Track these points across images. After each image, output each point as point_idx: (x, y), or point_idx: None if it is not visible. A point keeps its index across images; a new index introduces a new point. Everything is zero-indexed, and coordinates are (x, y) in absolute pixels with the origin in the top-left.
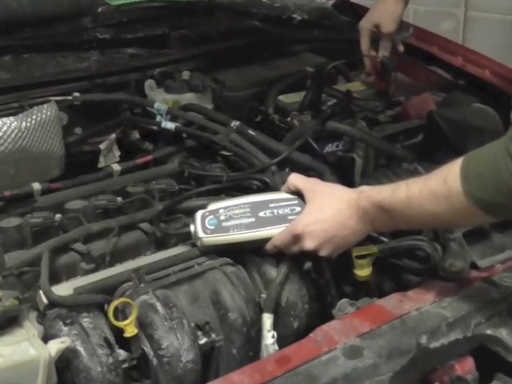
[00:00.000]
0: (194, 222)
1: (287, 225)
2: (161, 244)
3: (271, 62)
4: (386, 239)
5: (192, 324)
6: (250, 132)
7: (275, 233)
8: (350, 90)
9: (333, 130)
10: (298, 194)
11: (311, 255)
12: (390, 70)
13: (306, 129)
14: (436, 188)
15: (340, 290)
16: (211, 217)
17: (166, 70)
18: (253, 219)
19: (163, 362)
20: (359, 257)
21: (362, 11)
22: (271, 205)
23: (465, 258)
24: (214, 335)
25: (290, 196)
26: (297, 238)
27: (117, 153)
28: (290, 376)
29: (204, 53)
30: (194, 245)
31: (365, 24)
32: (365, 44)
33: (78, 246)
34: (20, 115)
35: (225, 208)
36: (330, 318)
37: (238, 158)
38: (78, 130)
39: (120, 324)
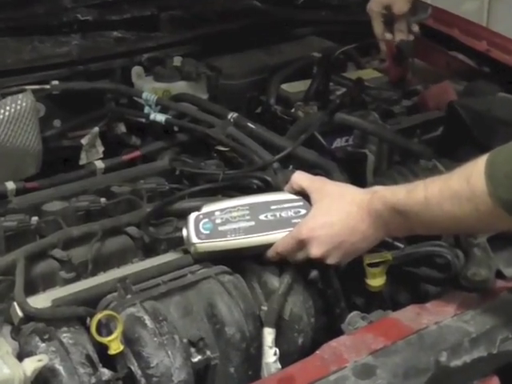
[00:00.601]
0: (186, 225)
1: (291, 229)
2: (149, 250)
3: (273, 47)
4: (401, 245)
5: (184, 340)
6: (250, 125)
7: (277, 238)
8: (361, 77)
9: (342, 123)
10: (303, 194)
11: (318, 263)
12: (407, 55)
13: (312, 121)
14: (458, 188)
15: (350, 301)
16: (206, 220)
17: (155, 56)
18: (252, 223)
19: (152, 382)
20: (371, 265)
21: None
22: (273, 206)
23: (490, 266)
24: (208, 352)
25: (294, 197)
26: (302, 244)
27: (100, 148)
28: None
29: (198, 36)
30: (186, 251)
31: (374, 6)
32: (378, 28)
33: (57, 252)
34: None
35: (221, 210)
36: (339, 333)
37: (236, 154)
38: (56, 123)
39: (104, 340)
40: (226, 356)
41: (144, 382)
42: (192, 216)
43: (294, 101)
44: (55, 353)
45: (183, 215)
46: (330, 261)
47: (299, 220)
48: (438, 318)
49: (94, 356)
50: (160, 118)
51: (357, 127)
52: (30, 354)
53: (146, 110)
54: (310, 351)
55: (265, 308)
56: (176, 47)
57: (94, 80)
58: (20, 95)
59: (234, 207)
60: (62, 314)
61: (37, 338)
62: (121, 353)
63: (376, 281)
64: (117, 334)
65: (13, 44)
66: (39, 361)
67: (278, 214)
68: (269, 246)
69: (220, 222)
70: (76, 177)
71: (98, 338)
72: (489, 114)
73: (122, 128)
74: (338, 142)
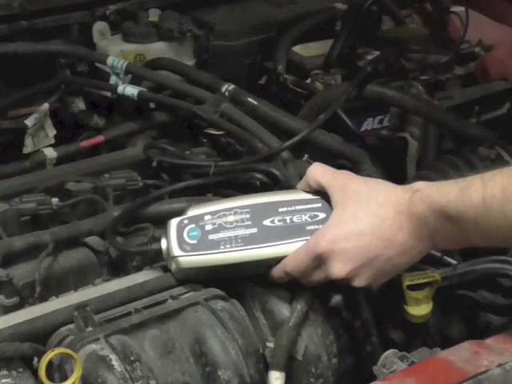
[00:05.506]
0: (166, 234)
1: (305, 239)
2: (117, 267)
3: None
4: (453, 261)
5: None
6: (251, 101)
7: (287, 251)
8: (400, 37)
9: (375, 98)
10: (322, 193)
11: (341, 286)
12: (445, 3)
13: (335, 96)
14: None
15: (385, 336)
16: (192, 226)
17: (124, 8)
18: (254, 230)
19: None
20: (413, 287)
21: None
22: (282, 209)
23: None
24: None
25: (309, 196)
26: (320, 260)
27: (51, 132)
28: None
29: None
30: (166, 269)
31: None
32: None
33: None
34: None
35: (213, 213)
36: (370, 377)
37: (233, 140)
38: None
39: None
40: None
41: None
42: (174, 222)
43: (310, 68)
44: None
45: (162, 221)
46: (358, 283)
47: (316, 227)
48: (502, 358)
49: None
50: (131, 91)
51: (394, 103)
52: None
53: (113, 80)
54: None
55: (271, 345)
56: None
57: (43, 40)
58: None
59: (230, 209)
60: (0, 352)
61: None
62: None
63: (419, 309)
64: (74, 378)
65: None
66: None
67: (288, 219)
68: (276, 261)
69: (211, 229)
70: (19, 169)
71: None
72: None
73: (80, 104)
74: (370, 124)
